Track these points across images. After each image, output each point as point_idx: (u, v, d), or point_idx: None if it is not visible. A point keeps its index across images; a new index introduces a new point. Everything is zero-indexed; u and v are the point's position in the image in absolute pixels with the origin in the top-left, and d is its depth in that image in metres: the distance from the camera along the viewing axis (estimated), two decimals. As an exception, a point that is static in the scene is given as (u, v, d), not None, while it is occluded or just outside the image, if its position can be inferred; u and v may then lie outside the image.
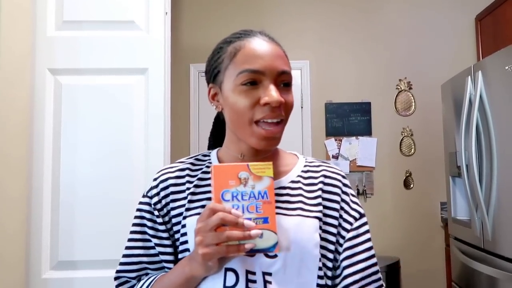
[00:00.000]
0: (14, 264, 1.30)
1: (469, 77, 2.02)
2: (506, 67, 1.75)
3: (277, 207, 0.76)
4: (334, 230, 0.79)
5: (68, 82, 1.44)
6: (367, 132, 2.99)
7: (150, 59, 1.47)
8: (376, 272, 0.79)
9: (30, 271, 1.34)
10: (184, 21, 3.17)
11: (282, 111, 0.75)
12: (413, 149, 2.99)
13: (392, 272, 2.68)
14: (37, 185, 1.38)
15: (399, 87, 3.04)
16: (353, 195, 0.83)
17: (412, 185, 2.97)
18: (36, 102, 1.41)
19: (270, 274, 0.73)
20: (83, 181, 1.40)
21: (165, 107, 1.46)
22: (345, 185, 0.83)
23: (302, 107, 3.06)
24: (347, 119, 3.01)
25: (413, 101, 3.02)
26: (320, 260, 0.75)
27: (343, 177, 0.84)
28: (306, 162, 0.86)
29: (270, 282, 0.73)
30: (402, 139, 3.01)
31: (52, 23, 1.46)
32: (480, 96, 1.92)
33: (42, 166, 1.39)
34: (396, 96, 3.03)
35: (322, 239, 0.77)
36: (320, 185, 0.81)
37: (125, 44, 1.46)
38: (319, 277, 0.75)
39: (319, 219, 0.77)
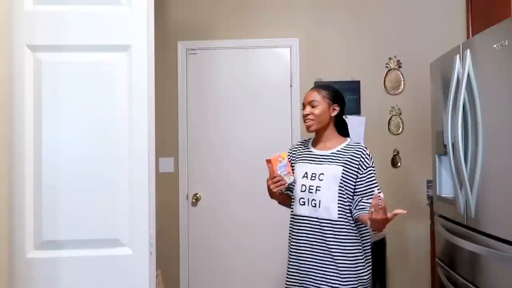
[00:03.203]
0: (-3, 244, 1.30)
1: (458, 55, 2.01)
2: (494, 46, 1.74)
3: (325, 160, 1.80)
4: (354, 172, 1.77)
5: (48, 59, 1.40)
6: (356, 111, 2.99)
7: (132, 35, 1.43)
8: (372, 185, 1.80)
9: (14, 251, 1.34)
10: (171, -3, 3.09)
11: (309, 116, 1.82)
12: (401, 128, 3.01)
13: (378, 249, 2.73)
14: (18, 164, 1.35)
15: (388, 66, 3.02)
16: (367, 159, 1.79)
17: (399, 164, 3.00)
18: (15, 80, 1.37)
19: (320, 186, 1.76)
20: (66, 159, 1.38)
21: (148, 85, 1.43)
22: (364, 154, 1.80)
23: (291, 86, 3.03)
24: (336, 98, 2.99)
25: (402, 79, 3.02)
26: (342, 183, 1.74)
27: (365, 150, 1.81)
28: (347, 143, 1.84)
29: (319, 188, 1.77)
30: (390, 118, 3.01)
31: (30, -3, 1.40)
32: (468, 75, 1.92)
33: (23, 145, 1.36)
34: (386, 74, 3.02)
35: (346, 175, 1.76)
36: (351, 154, 1.80)
37: (106, 19, 1.42)
38: (340, 192, 1.74)
39: (344, 166, 1.76)
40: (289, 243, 1.85)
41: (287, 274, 1.84)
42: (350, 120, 2.96)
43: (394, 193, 2.99)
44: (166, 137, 3.07)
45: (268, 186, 1.78)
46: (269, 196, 1.87)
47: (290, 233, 1.85)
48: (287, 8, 3.06)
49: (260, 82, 3.07)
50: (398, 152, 3.00)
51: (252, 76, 3.08)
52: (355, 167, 1.77)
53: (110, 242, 1.37)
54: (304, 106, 1.85)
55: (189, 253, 3.06)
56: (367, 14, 3.04)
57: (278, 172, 1.74)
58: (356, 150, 1.80)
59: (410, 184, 3.00)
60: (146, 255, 1.37)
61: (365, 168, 1.78)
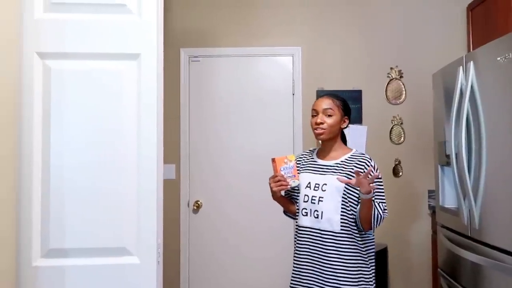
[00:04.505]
0: (4, 252, 1.28)
1: (461, 67, 2.03)
2: (498, 58, 1.76)
3: (328, 171, 1.77)
4: None
5: (57, 66, 1.40)
6: (358, 120, 3.01)
7: (142, 44, 1.43)
8: (378, 198, 1.72)
9: (20, 259, 1.32)
10: (175, 4, 3.10)
11: (323, 125, 1.78)
12: (402, 138, 3.02)
13: (380, 258, 2.73)
14: (26, 171, 1.35)
15: (390, 76, 3.05)
16: (372, 169, 1.69)
17: (400, 173, 3.01)
18: (24, 87, 1.37)
19: (322, 196, 1.73)
20: (73, 168, 1.37)
21: (158, 94, 1.43)
22: (368, 165, 1.73)
23: (293, 94, 3.05)
24: (338, 107, 3.01)
25: (404, 89, 3.04)
26: (345, 194, 1.70)
27: (370, 160, 1.76)
28: (352, 153, 1.81)
29: (322, 199, 1.73)
30: (392, 128, 3.03)
31: (40, 5, 1.40)
32: (472, 87, 1.93)
33: (31, 151, 1.35)
34: (387, 84, 3.04)
35: (350, 185, 1.69)
36: (355, 164, 1.75)
37: (116, 28, 1.42)
38: (343, 201, 1.71)
39: (347, 177, 1.70)
40: (293, 254, 1.84)
41: (290, 286, 1.82)
42: (352, 129, 2.98)
43: (396, 202, 2.99)
44: (168, 143, 3.06)
45: (270, 185, 1.77)
46: (271, 198, 1.86)
47: (294, 244, 1.84)
48: (289, 17, 3.09)
49: (262, 90, 3.08)
50: (399, 162, 3.01)
51: (254, 84, 3.09)
52: None
53: (117, 250, 1.36)
54: (316, 112, 1.80)
55: (190, 260, 3.04)
56: (369, 24, 3.07)
57: (282, 173, 1.75)
58: (359, 161, 1.75)
59: (412, 193, 3.00)
60: (154, 265, 1.36)
61: None
